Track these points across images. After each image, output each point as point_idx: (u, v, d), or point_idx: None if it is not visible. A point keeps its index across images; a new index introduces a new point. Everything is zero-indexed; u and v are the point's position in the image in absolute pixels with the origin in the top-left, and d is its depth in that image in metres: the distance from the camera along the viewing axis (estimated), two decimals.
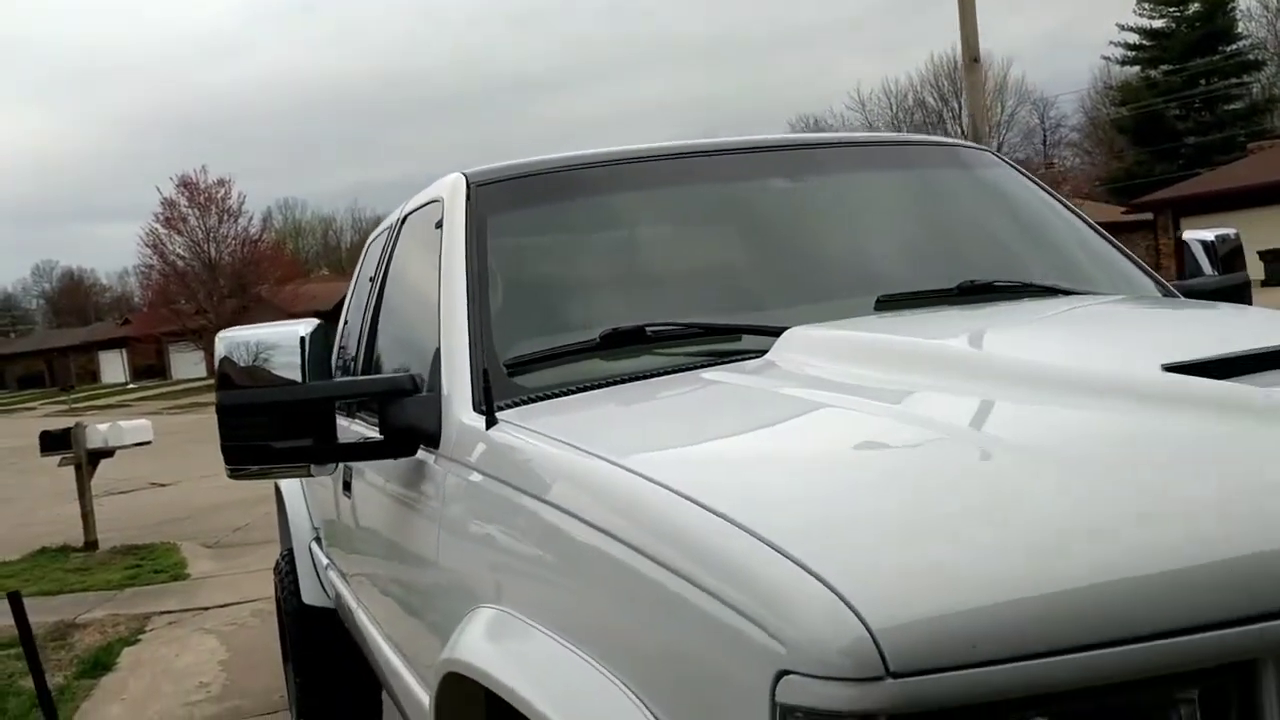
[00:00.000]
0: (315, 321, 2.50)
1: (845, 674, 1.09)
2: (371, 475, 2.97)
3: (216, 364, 2.47)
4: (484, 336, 2.39)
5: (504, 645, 1.77)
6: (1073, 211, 3.14)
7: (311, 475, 2.51)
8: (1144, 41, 54.78)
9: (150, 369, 58.39)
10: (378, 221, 5.15)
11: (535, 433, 1.94)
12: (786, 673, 1.13)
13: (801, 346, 2.13)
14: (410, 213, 3.31)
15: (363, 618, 3.35)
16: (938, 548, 1.22)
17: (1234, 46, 53.73)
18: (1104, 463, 1.41)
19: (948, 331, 2.16)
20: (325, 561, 4.19)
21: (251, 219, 48.45)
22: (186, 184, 46.10)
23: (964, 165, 3.20)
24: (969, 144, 3.44)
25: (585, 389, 2.23)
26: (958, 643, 1.09)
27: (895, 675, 1.07)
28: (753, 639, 1.18)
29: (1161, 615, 1.11)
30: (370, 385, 2.60)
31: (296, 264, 62.12)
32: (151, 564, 9.86)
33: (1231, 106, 54.35)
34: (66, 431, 10.50)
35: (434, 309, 2.60)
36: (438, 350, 2.49)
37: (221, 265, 43.41)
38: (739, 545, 1.28)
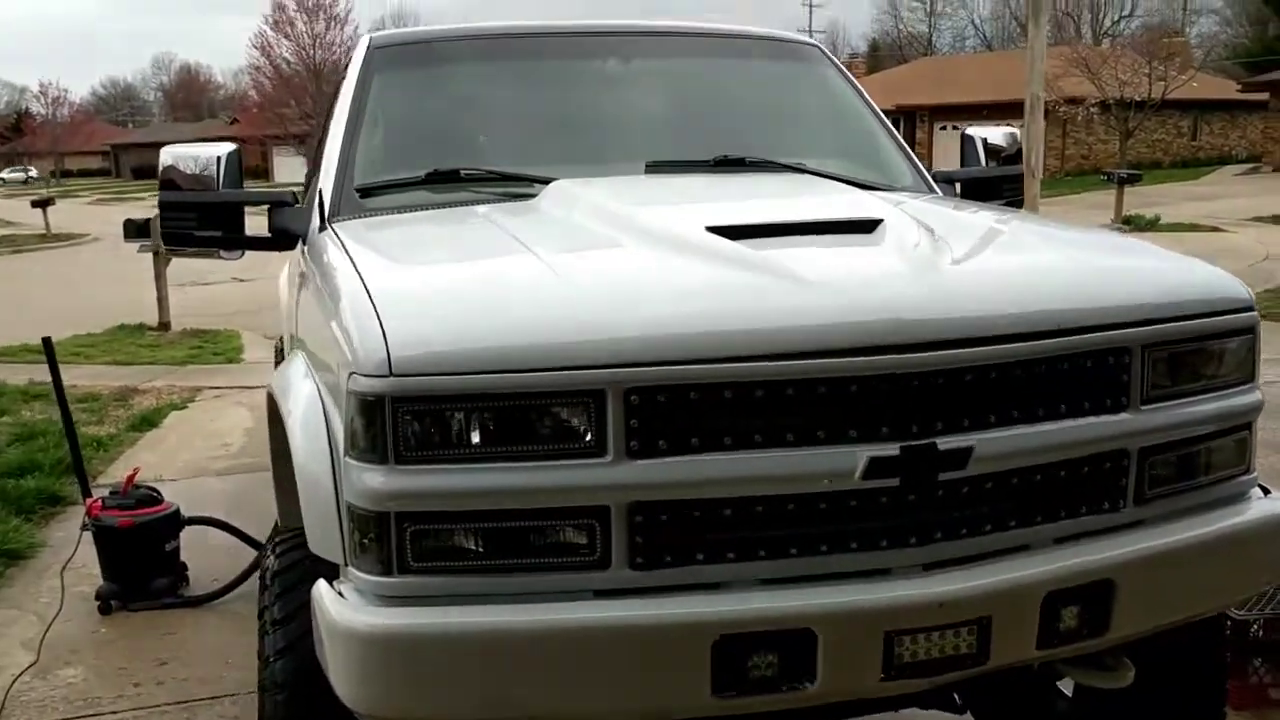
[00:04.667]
0: (232, 146, 3.36)
1: (370, 373, 1.95)
2: (289, 267, 3.90)
3: (160, 172, 3.36)
4: (349, 167, 3.22)
5: (285, 370, 2.67)
6: (873, 111, 3.78)
7: (223, 258, 3.41)
8: None
9: (255, 170, 59.89)
10: None
11: (337, 236, 2.77)
12: (353, 373, 1.99)
13: (552, 194, 2.92)
14: (346, 65, 4.10)
15: None
16: (453, 314, 2.07)
17: None
18: (623, 277, 2.23)
19: (640, 195, 2.91)
20: None
21: (358, 28, 48.88)
22: None
23: (784, 58, 3.86)
24: (798, 39, 4.04)
25: (403, 211, 3.06)
26: (430, 363, 1.93)
27: (395, 375, 1.92)
28: (347, 353, 2.06)
29: (555, 358, 1.93)
30: (262, 196, 3.46)
31: None
32: (213, 346, 11.15)
33: None
34: (148, 221, 11.60)
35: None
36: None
37: (326, 73, 44.11)
38: (360, 302, 2.13)
